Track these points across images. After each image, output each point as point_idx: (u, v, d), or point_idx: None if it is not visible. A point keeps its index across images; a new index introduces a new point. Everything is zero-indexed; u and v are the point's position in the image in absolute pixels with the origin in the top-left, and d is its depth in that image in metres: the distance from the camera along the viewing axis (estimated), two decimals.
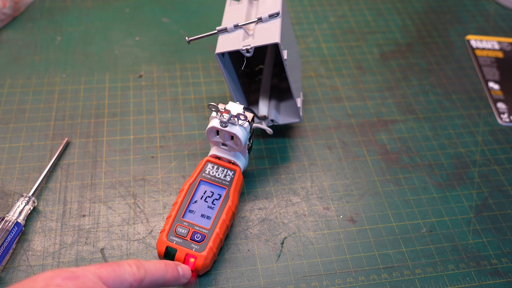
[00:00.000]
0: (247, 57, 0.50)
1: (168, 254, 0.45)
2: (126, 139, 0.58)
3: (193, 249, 0.45)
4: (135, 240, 0.49)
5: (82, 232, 0.49)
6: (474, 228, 0.52)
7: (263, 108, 0.56)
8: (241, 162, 0.51)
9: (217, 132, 0.49)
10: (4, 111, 0.59)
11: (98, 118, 0.59)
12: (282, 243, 0.50)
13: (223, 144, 0.50)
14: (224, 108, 0.47)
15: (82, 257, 0.47)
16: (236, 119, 0.47)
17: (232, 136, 0.48)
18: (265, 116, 0.56)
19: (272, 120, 0.56)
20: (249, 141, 0.51)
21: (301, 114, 0.56)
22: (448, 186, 0.56)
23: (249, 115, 0.48)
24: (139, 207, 0.52)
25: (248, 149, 0.51)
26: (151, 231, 0.50)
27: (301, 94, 0.58)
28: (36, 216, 0.50)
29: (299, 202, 0.53)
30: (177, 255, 0.45)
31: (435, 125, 0.62)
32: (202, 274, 0.47)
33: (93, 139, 0.57)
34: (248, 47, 0.48)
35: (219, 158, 0.51)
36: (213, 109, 0.47)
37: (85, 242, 0.48)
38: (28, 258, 0.47)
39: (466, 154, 0.59)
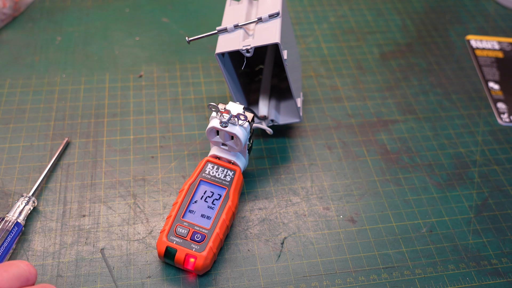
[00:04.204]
0: (247, 57, 0.50)
1: (168, 254, 0.45)
2: (126, 139, 0.58)
3: (193, 249, 0.45)
4: (135, 240, 0.49)
5: (82, 232, 0.49)
6: (474, 228, 0.52)
7: (263, 108, 0.56)
8: (241, 162, 0.51)
9: (217, 132, 0.49)
10: (4, 111, 0.59)
11: (98, 118, 0.59)
12: (282, 243, 0.50)
13: (223, 144, 0.50)
14: (224, 108, 0.47)
15: (82, 257, 0.47)
16: (236, 119, 0.47)
17: (232, 136, 0.48)
18: (265, 116, 0.56)
19: (272, 120, 0.56)
20: (249, 141, 0.51)
21: (301, 114, 0.56)
22: (448, 186, 0.56)
23: (249, 115, 0.48)
24: (139, 207, 0.52)
25: (248, 149, 0.51)
26: (151, 231, 0.50)
27: (301, 94, 0.58)
28: (36, 216, 0.50)
29: (299, 202, 0.53)
30: (177, 255, 0.45)
31: (435, 125, 0.62)
32: (202, 274, 0.47)
33: (93, 139, 0.57)
34: (248, 47, 0.48)
35: (219, 158, 0.51)
36: (213, 109, 0.47)
37: (85, 242, 0.48)
38: (28, 258, 0.47)
39: (466, 154, 0.59)
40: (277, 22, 0.50)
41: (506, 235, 0.52)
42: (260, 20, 0.50)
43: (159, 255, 0.46)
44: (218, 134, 0.49)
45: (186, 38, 0.52)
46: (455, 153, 0.59)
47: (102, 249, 0.48)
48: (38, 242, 0.48)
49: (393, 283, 0.48)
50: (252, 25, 0.51)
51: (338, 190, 0.55)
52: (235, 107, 0.47)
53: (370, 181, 0.56)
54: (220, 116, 0.47)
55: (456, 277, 0.48)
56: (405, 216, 0.53)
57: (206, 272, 0.47)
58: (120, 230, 0.50)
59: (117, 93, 0.62)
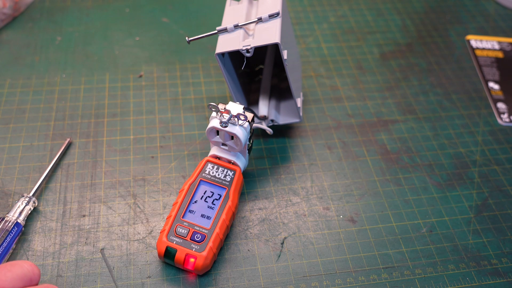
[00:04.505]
0: (247, 57, 0.50)
1: (168, 254, 0.45)
2: (126, 139, 0.58)
3: (193, 249, 0.45)
4: (135, 240, 0.49)
5: (82, 232, 0.49)
6: (474, 228, 0.52)
7: (263, 108, 0.56)
8: (241, 162, 0.51)
9: (217, 132, 0.49)
10: (4, 111, 0.59)
11: (98, 118, 0.59)
12: (282, 243, 0.50)
13: (223, 144, 0.50)
14: (224, 108, 0.47)
15: (82, 257, 0.47)
16: (236, 119, 0.47)
17: (232, 136, 0.48)
18: (265, 116, 0.56)
19: (272, 120, 0.56)
20: (249, 141, 0.51)
21: (301, 114, 0.56)
22: (448, 186, 0.56)
23: (249, 115, 0.48)
24: (139, 207, 0.52)
25: (248, 149, 0.51)
26: (151, 231, 0.50)
27: (301, 94, 0.58)
28: (36, 216, 0.50)
29: (299, 202, 0.53)
30: (177, 255, 0.45)
31: (435, 125, 0.62)
32: (202, 274, 0.47)
33: (93, 139, 0.57)
34: (248, 47, 0.48)
35: (219, 158, 0.51)
36: (213, 109, 0.47)
37: (85, 242, 0.48)
38: (28, 258, 0.47)
39: (466, 154, 0.59)
40: (277, 22, 0.50)
41: (506, 235, 0.52)
42: (260, 20, 0.50)
43: (159, 255, 0.46)
44: (218, 134, 0.49)
45: (186, 38, 0.52)
46: (455, 153, 0.59)
47: (102, 249, 0.48)
48: (38, 242, 0.48)
49: (393, 283, 0.48)
50: (252, 25, 0.51)
51: (338, 190, 0.55)
52: (235, 107, 0.47)
53: (370, 181, 0.56)
54: (220, 116, 0.47)
55: (456, 277, 0.48)
56: (405, 216, 0.53)
57: (206, 272, 0.47)
58: (120, 230, 0.50)
59: (117, 93, 0.62)
